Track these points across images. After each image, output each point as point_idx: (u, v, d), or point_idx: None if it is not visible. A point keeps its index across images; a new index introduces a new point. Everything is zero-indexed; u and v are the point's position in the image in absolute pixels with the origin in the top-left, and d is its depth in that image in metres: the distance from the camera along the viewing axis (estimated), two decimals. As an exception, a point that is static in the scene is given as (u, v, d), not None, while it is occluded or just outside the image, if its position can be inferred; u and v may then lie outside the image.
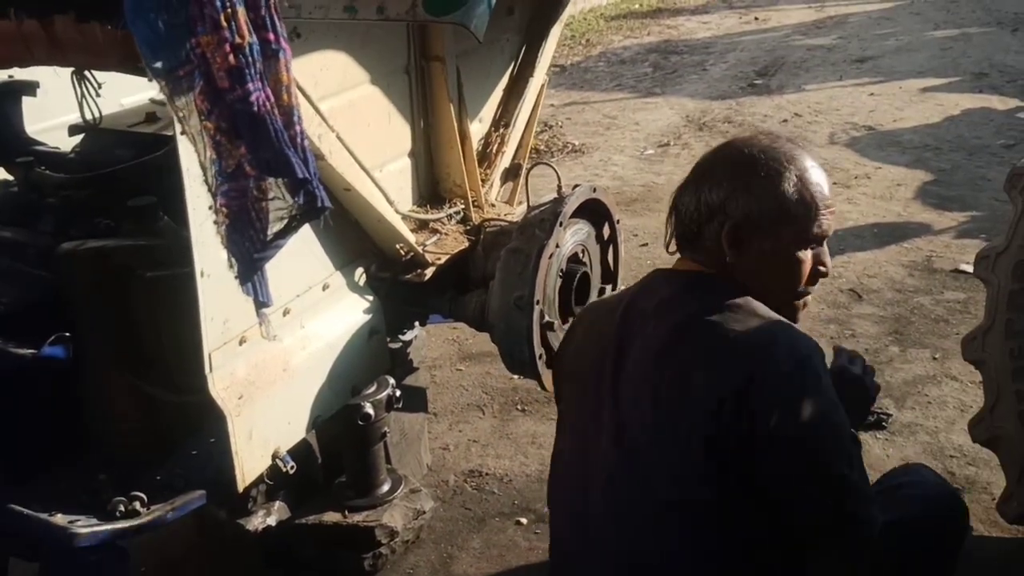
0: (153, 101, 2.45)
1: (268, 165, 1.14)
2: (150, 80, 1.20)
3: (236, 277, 1.25)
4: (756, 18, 10.37)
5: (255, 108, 1.11)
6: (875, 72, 7.81)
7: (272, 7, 1.12)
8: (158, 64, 1.09)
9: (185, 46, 1.07)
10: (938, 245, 4.60)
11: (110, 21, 1.16)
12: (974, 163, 5.62)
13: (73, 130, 2.30)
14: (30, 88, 2.41)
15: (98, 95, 2.08)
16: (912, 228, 4.82)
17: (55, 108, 2.51)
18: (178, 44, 1.07)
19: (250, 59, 1.09)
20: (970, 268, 4.16)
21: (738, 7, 11.06)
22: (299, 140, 1.17)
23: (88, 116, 2.11)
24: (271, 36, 1.12)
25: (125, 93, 2.58)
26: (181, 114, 1.11)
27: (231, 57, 1.07)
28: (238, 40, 1.07)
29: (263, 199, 1.16)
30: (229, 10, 1.06)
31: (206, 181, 1.15)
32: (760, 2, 11.27)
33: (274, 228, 1.21)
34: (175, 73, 1.09)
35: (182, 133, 1.13)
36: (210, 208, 1.16)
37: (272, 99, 1.13)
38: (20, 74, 2.40)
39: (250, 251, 1.22)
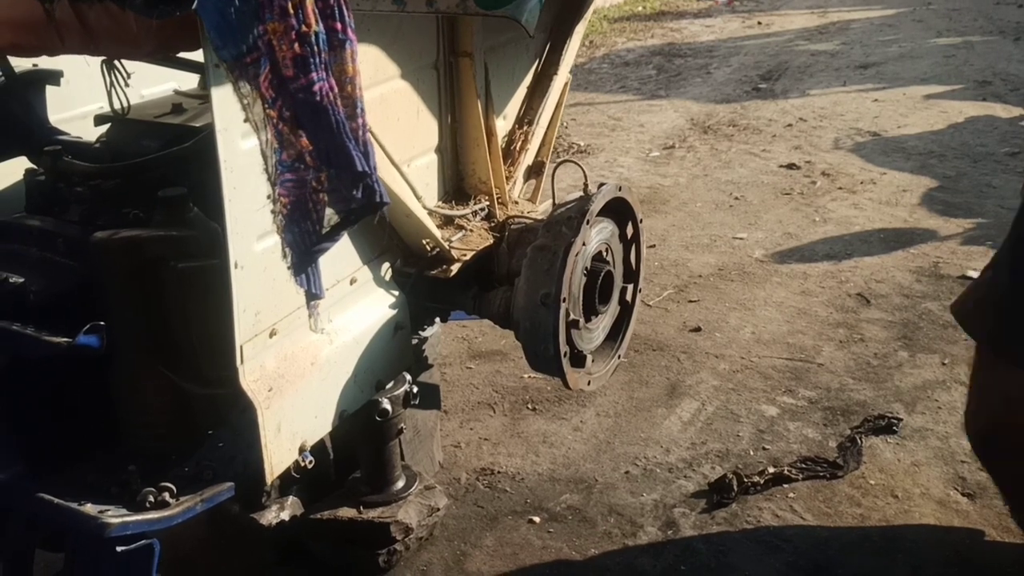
0: (178, 92, 2.43)
1: (328, 157, 1.13)
2: (206, 69, 1.19)
3: (290, 268, 1.24)
4: (759, 22, 10.40)
5: (318, 98, 1.10)
6: (878, 78, 7.84)
7: (340, -4, 1.11)
8: (225, 50, 1.08)
9: (253, 32, 1.07)
10: (944, 251, 4.62)
11: (179, 8, 1.15)
12: (979, 171, 5.65)
13: (99, 120, 2.28)
14: (54, 77, 2.40)
15: (127, 85, 2.06)
16: (918, 234, 4.84)
17: (78, 97, 2.50)
18: (246, 30, 1.07)
19: (315, 48, 1.08)
20: (977, 274, 4.19)
21: (741, 11, 11.09)
22: (361, 133, 1.16)
23: (116, 106, 2.10)
24: (338, 26, 1.11)
25: (146, 84, 2.57)
26: (245, 101, 1.10)
27: (296, 45, 1.06)
28: (304, 28, 1.06)
29: (322, 191, 1.15)
30: (297, -3, 1.05)
31: (266, 170, 1.14)
32: (763, 6, 11.31)
33: (331, 221, 1.20)
34: (242, 60, 1.08)
35: (245, 120, 1.12)
36: (268, 197, 1.15)
37: (336, 90, 1.12)
38: (43, 63, 2.38)
39: (306, 243, 1.21)
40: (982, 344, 1.57)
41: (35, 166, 2.22)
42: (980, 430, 1.70)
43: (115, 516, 1.71)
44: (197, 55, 1.83)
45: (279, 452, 1.90)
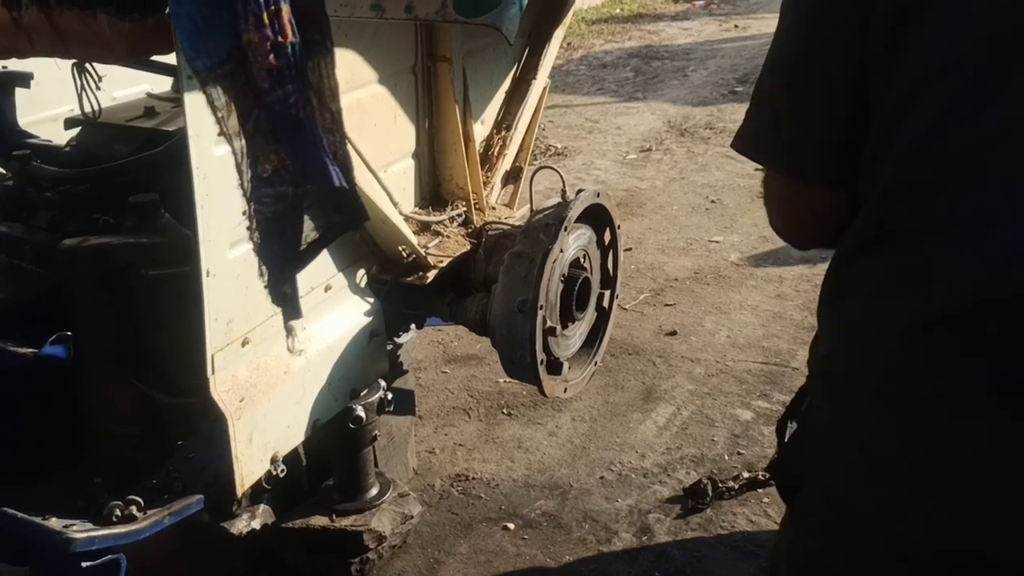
0: (151, 95, 2.40)
1: (305, 172, 1.11)
2: (188, 73, 1.16)
3: (266, 286, 1.21)
4: (736, 25, 10.43)
5: (294, 111, 1.08)
6: (853, 82, 7.89)
7: (318, 6, 1.08)
8: (198, 60, 1.05)
9: (228, 43, 1.04)
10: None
11: (153, 15, 1.12)
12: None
13: (69, 123, 2.24)
14: (24, 79, 2.35)
15: (99, 88, 2.03)
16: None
17: (48, 100, 2.45)
18: (220, 41, 1.04)
19: (292, 60, 1.06)
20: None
21: (718, 14, 11.12)
22: (339, 147, 1.13)
23: (87, 109, 2.06)
24: (316, 36, 1.09)
25: (118, 86, 2.53)
26: (220, 114, 1.07)
27: (272, 57, 1.04)
28: (280, 39, 1.04)
29: (299, 207, 1.13)
30: (273, 8, 1.02)
31: (241, 186, 1.12)
32: (740, 9, 11.35)
33: (309, 238, 1.18)
34: (216, 71, 1.05)
35: (219, 134, 1.09)
36: (243, 214, 1.13)
37: (313, 103, 1.10)
38: (13, 64, 2.33)
39: (284, 260, 1.18)
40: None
41: (3, 170, 2.18)
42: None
43: (80, 531, 1.68)
44: (170, 58, 1.81)
45: (250, 463, 1.87)
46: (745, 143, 1.31)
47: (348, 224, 1.18)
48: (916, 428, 1.09)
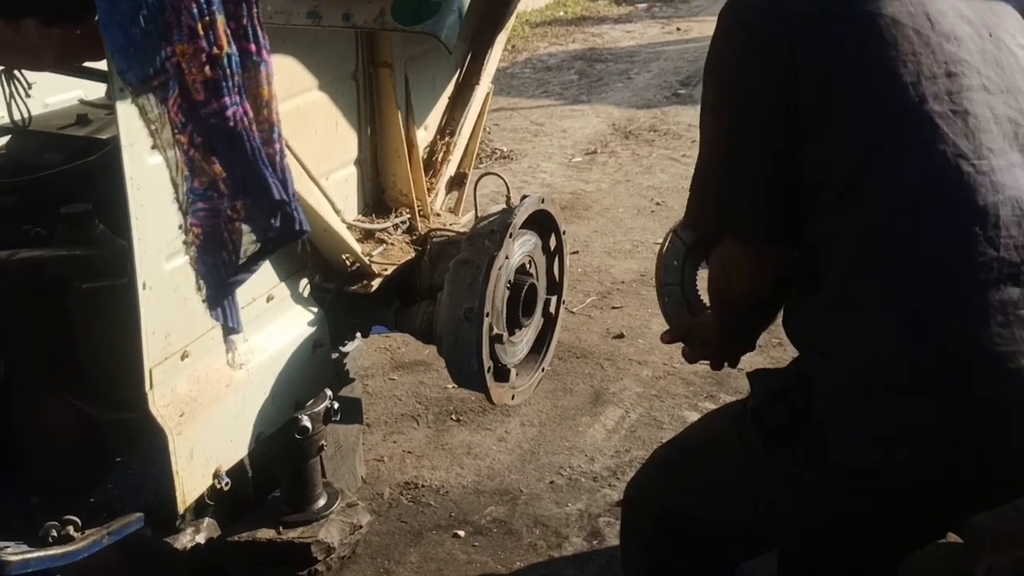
0: (83, 102, 2.33)
1: (243, 184, 1.08)
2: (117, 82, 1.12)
3: (204, 301, 1.18)
4: (678, 28, 10.55)
5: (231, 123, 1.05)
6: (794, 84, 8.02)
7: (255, 16, 1.06)
8: (130, 72, 1.02)
9: (160, 54, 1.01)
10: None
11: (78, 25, 1.08)
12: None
13: (-2, 132, 2.18)
14: (-51, 86, 2.27)
15: (28, 95, 1.97)
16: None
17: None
18: (152, 52, 1.01)
19: (228, 71, 1.03)
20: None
21: (660, 17, 11.23)
22: (278, 159, 1.11)
23: (16, 117, 2.00)
24: (252, 47, 1.07)
25: (50, 92, 2.46)
26: (153, 126, 1.05)
27: (207, 68, 1.01)
28: (215, 51, 1.01)
29: (237, 220, 1.10)
30: (207, 18, 1.00)
31: (177, 199, 1.09)
32: (682, 12, 11.48)
33: (248, 251, 1.15)
34: (148, 83, 1.02)
35: (153, 147, 1.06)
36: (179, 227, 1.10)
37: (250, 114, 1.07)
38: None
39: (222, 274, 1.16)
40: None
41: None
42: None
43: (15, 553, 1.63)
44: (103, 64, 1.76)
45: (192, 478, 1.83)
46: (697, 221, 1.62)
47: (287, 236, 1.15)
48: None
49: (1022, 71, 1.52)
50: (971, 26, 1.51)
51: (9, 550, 1.64)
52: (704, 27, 10.49)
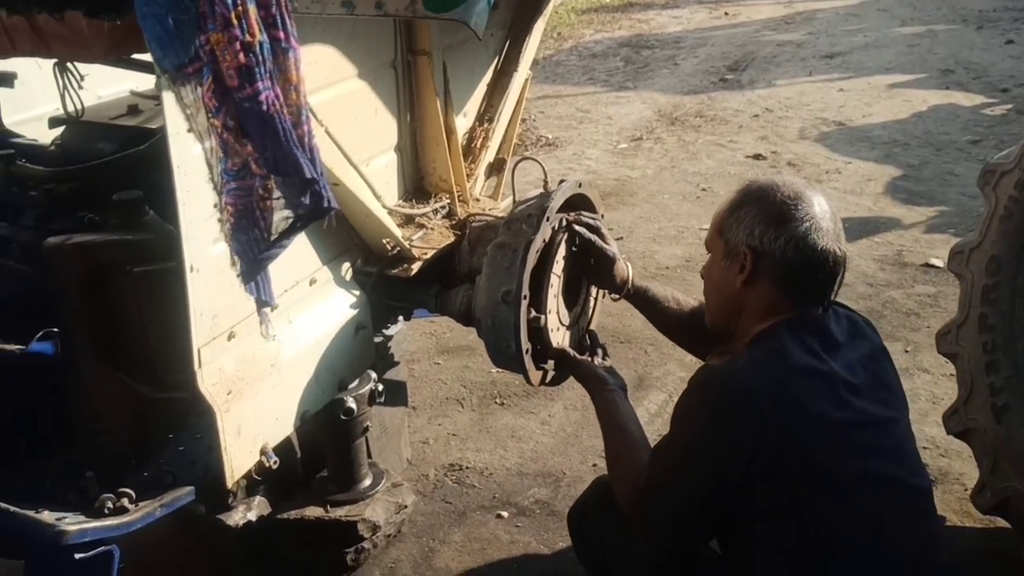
0: (134, 93, 2.41)
1: (275, 164, 1.13)
2: (157, 72, 1.18)
3: (239, 276, 1.24)
4: (726, 13, 10.44)
5: (264, 107, 1.10)
6: (844, 68, 7.90)
7: (283, 5, 1.11)
8: (166, 60, 1.07)
9: (194, 43, 1.06)
10: (908, 239, 4.67)
11: (119, 17, 1.14)
12: (942, 159, 5.71)
13: (54, 122, 2.26)
14: (7, 79, 2.37)
15: (81, 87, 2.04)
16: (882, 223, 4.89)
17: (33, 99, 2.47)
18: (187, 40, 1.06)
19: (260, 57, 1.08)
20: (939, 262, 4.25)
21: (708, 2, 11.12)
22: (307, 140, 1.16)
23: (70, 108, 2.08)
24: (281, 34, 1.11)
25: (104, 84, 2.55)
26: (188, 111, 1.10)
27: (241, 55, 1.06)
28: (248, 38, 1.06)
29: (268, 198, 1.15)
30: (240, 8, 1.05)
31: (211, 179, 1.14)
32: (730, -3, 11.35)
33: (279, 228, 1.20)
34: (183, 70, 1.08)
35: (188, 130, 1.12)
36: (214, 206, 1.15)
37: (281, 98, 1.12)
38: (-3, 65, 2.35)
39: (254, 250, 1.21)
40: None
41: (-11, 170, 2.20)
42: None
43: (73, 523, 1.70)
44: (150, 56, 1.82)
45: (240, 454, 1.89)
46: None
47: (317, 212, 1.20)
48: None
49: None
50: None
51: (67, 520, 1.72)
52: (752, 11, 10.38)
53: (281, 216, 1.19)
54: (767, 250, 1.82)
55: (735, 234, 1.87)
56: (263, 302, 1.33)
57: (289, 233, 1.22)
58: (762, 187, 1.89)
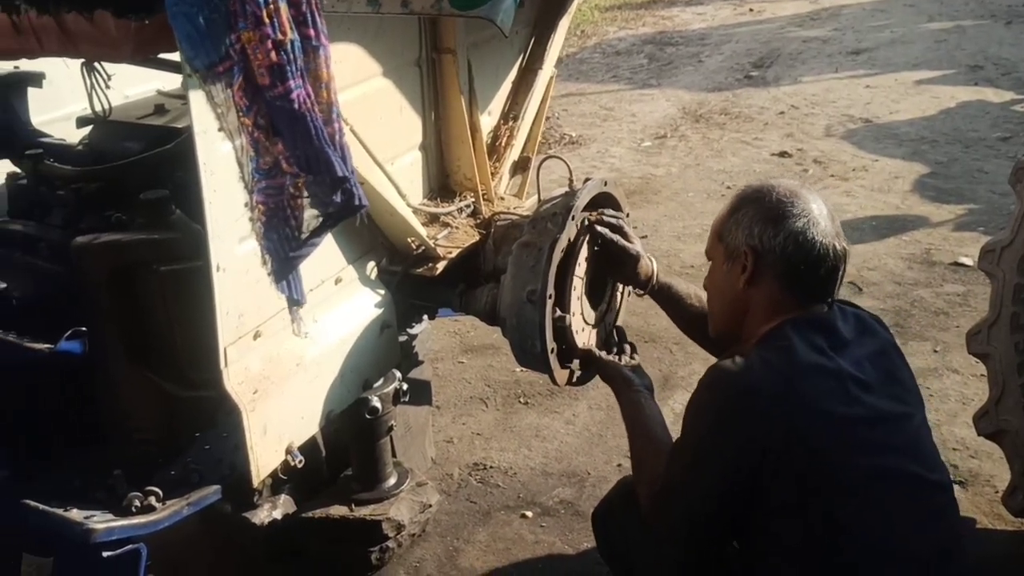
0: (161, 93, 2.42)
1: (306, 162, 1.13)
2: (185, 72, 1.18)
3: (270, 274, 1.23)
4: (751, 9, 10.37)
5: (295, 105, 1.10)
6: (870, 64, 7.83)
7: (313, 3, 1.10)
8: (197, 59, 1.07)
9: (225, 41, 1.06)
10: (936, 238, 4.62)
11: (148, 16, 1.14)
12: (971, 156, 5.64)
13: (81, 122, 2.27)
14: (36, 79, 2.39)
15: (108, 87, 2.05)
16: (910, 221, 4.84)
17: (61, 99, 2.48)
18: (218, 39, 1.06)
19: (291, 55, 1.08)
20: (969, 261, 4.20)
21: (732, -2, 11.07)
22: (337, 137, 1.16)
23: (97, 108, 2.09)
24: (312, 32, 1.11)
25: (130, 84, 2.56)
26: (219, 110, 1.10)
27: (272, 54, 1.06)
28: (280, 36, 1.06)
29: (299, 196, 1.15)
30: (272, 6, 1.04)
31: (242, 178, 1.14)
32: (754, -7, 11.28)
33: (310, 226, 1.20)
34: (214, 68, 1.07)
35: (219, 129, 1.11)
36: (244, 205, 1.15)
37: (312, 96, 1.12)
38: (25, 65, 2.37)
39: (286, 249, 1.21)
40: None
41: (17, 169, 2.21)
42: None
43: (101, 521, 1.71)
44: (177, 56, 1.82)
45: (266, 453, 1.90)
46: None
47: (348, 210, 1.20)
48: None
49: None
50: None
51: (95, 518, 1.73)
52: (777, 7, 10.31)
53: (312, 214, 1.19)
54: (767, 248, 1.82)
55: (735, 236, 1.88)
56: (295, 300, 1.33)
57: (320, 231, 1.22)
58: (757, 190, 1.91)
